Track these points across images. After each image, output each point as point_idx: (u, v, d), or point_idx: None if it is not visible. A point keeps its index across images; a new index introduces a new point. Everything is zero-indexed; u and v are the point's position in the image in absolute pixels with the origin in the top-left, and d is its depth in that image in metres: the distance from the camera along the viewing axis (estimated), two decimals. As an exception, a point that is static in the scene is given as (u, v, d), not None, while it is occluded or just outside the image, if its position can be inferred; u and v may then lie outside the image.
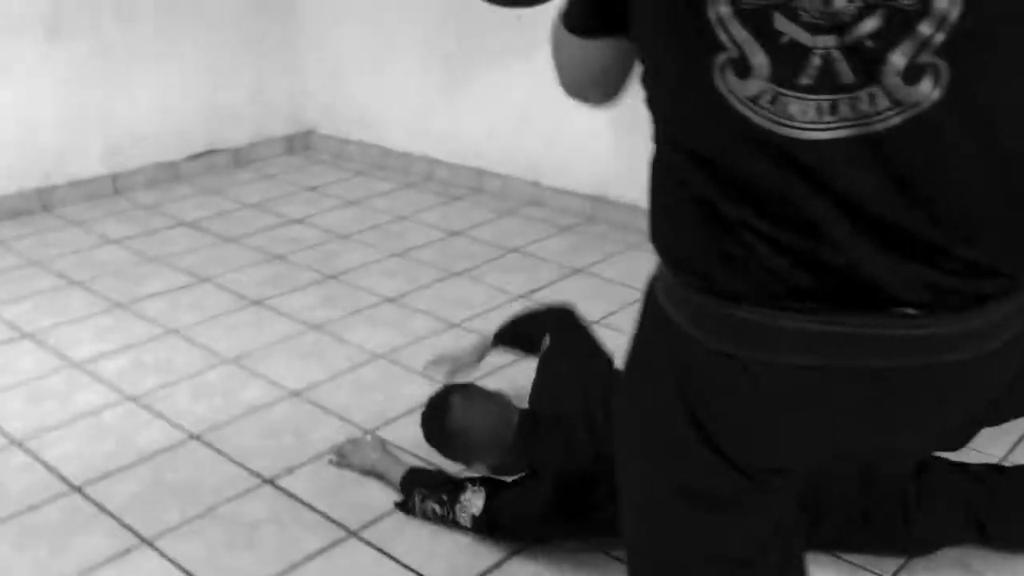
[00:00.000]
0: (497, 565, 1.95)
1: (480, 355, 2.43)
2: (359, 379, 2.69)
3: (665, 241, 1.02)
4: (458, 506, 1.95)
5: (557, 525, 1.93)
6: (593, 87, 1.12)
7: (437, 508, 1.98)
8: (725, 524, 1.04)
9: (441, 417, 2.11)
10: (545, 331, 2.29)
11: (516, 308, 3.02)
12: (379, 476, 2.19)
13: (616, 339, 2.73)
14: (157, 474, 2.27)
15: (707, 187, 0.94)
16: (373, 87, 4.47)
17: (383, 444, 2.27)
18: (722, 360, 0.95)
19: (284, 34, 4.57)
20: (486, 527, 1.95)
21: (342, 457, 2.27)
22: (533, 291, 3.21)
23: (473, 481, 2.01)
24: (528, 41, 3.75)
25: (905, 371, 0.91)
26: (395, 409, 2.52)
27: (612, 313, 3.02)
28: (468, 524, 1.95)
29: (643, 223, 1.11)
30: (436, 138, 4.33)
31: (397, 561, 1.97)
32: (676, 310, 1.00)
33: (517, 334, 2.38)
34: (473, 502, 1.94)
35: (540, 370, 2.24)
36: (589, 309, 2.98)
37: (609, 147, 3.71)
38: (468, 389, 2.18)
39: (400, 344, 2.87)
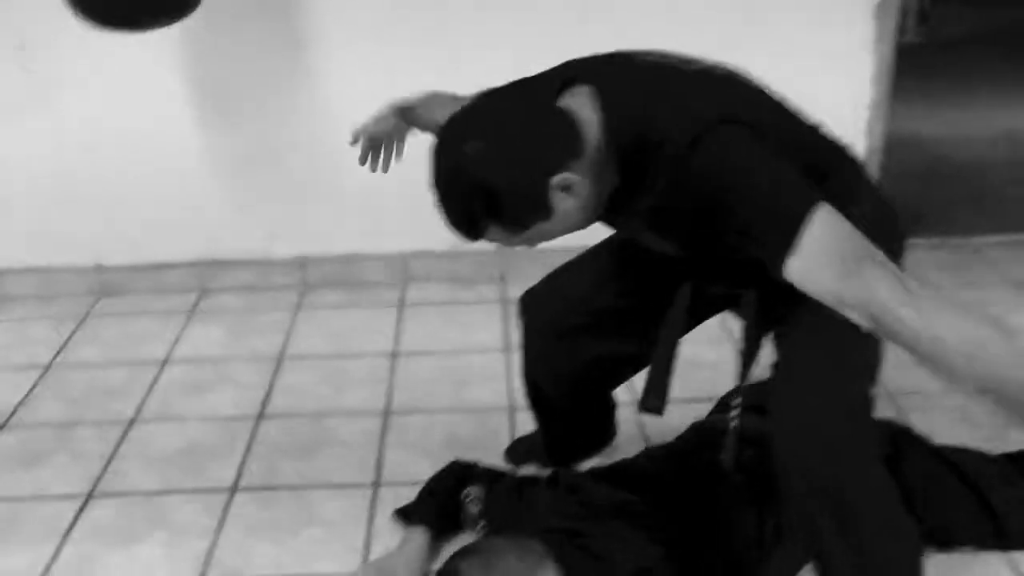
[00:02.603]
0: None
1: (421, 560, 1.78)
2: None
3: None
4: None
5: None
6: None
7: None
8: None
9: None
10: (460, 485, 1.84)
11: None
12: None
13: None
14: None
15: None
16: None
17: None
18: None
19: None
20: None
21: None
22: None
23: None
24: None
25: None
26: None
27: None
28: None
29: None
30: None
31: None
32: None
33: (436, 505, 1.85)
34: None
35: (505, 511, 1.77)
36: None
37: (216, 198, 2.89)
38: (476, 550, 1.59)
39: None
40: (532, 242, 1.34)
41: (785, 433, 1.38)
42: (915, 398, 2.26)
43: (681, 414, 1.93)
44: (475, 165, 1.23)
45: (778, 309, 1.45)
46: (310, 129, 2.82)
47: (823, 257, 1.17)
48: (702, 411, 2.02)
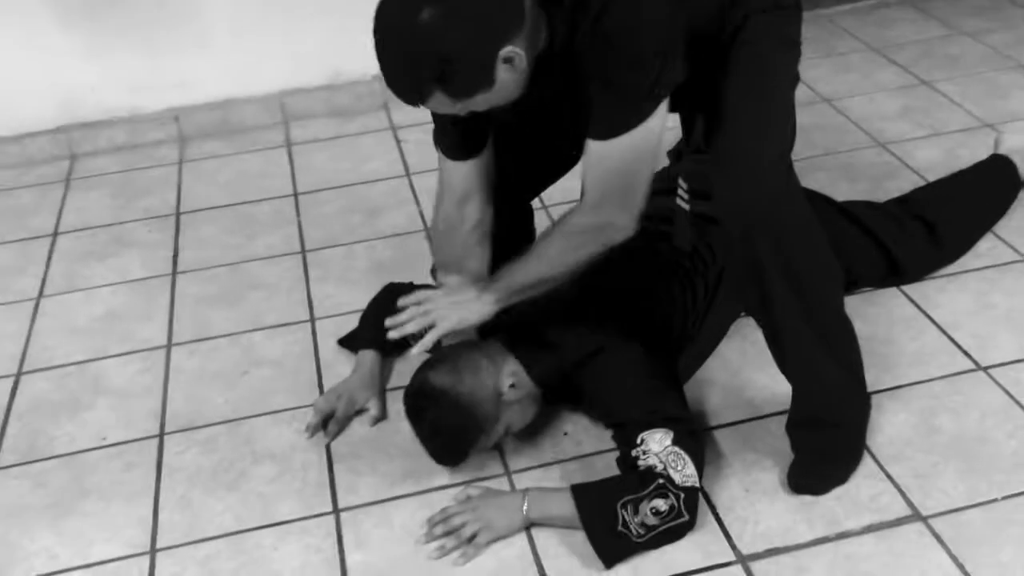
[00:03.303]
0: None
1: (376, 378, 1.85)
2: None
3: None
4: (674, 472, 1.48)
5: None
6: None
7: (661, 504, 1.48)
8: None
9: (444, 413, 1.58)
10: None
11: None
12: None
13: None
14: None
15: None
16: None
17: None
18: None
19: None
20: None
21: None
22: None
23: (629, 444, 1.54)
24: None
25: None
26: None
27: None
28: (694, 477, 1.50)
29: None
30: None
31: None
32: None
33: (380, 326, 1.75)
34: (672, 454, 1.49)
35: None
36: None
37: (69, 56, 2.70)
38: (439, 358, 1.63)
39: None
40: (466, 110, 1.36)
41: (731, 194, 1.47)
42: (800, 163, 2.41)
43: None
44: (431, 32, 1.23)
45: (705, 93, 1.51)
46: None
47: (629, 157, 1.38)
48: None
